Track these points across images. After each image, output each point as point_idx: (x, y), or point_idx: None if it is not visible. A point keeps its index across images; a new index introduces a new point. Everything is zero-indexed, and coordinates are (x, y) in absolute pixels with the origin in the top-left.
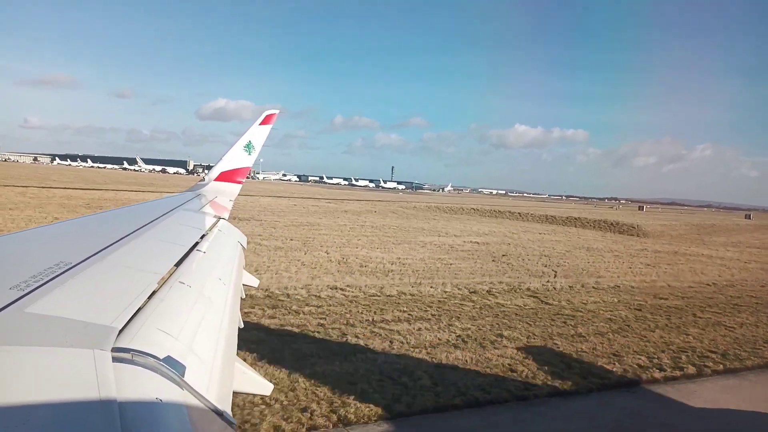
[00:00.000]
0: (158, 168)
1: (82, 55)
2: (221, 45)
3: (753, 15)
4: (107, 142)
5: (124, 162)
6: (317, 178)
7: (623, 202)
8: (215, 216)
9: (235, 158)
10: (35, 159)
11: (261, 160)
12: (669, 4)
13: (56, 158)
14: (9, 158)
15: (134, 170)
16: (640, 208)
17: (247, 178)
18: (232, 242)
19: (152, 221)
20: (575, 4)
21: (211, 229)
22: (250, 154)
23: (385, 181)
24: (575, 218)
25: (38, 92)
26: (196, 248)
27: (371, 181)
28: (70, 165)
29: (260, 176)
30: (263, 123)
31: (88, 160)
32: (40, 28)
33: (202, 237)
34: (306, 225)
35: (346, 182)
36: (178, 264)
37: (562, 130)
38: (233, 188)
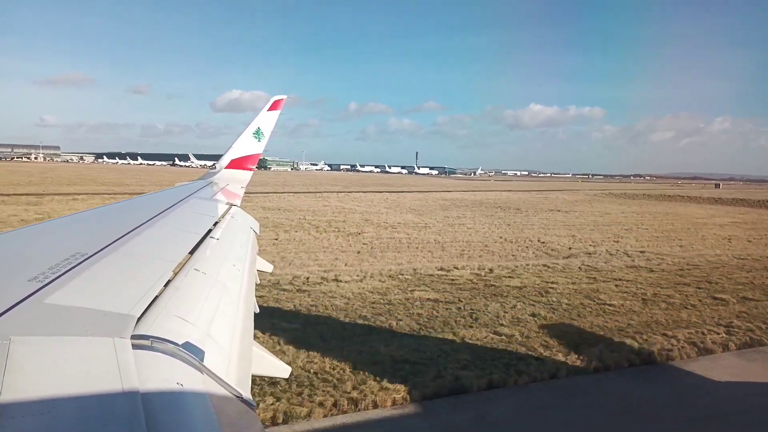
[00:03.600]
0: (209, 164)
1: (97, 53)
2: (234, 37)
3: None
4: (122, 138)
5: (176, 159)
6: (348, 167)
7: (648, 178)
8: (228, 203)
9: (245, 145)
10: (81, 158)
11: (303, 152)
12: None
13: (104, 156)
14: (71, 159)
15: (186, 167)
16: (717, 186)
17: (293, 169)
18: (245, 228)
19: (165, 210)
20: None
21: (223, 216)
22: (259, 141)
23: (418, 167)
24: (740, 199)
25: (54, 91)
26: (209, 235)
27: (403, 167)
28: (117, 163)
29: (302, 167)
30: (271, 109)
31: (138, 157)
32: (55, 28)
33: (215, 224)
34: (607, 213)
35: (379, 169)
36: (192, 252)
37: (578, 108)
38: (244, 175)
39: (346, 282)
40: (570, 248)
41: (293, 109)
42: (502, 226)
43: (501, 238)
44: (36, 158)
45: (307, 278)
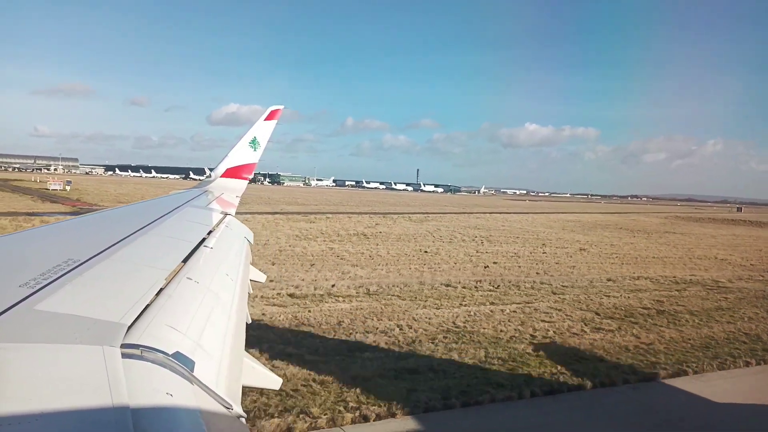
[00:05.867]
0: None
1: (97, 64)
2: (234, 52)
3: (763, 9)
4: (116, 149)
5: (190, 172)
6: (353, 183)
7: (644, 199)
8: (222, 212)
9: (241, 155)
10: (92, 170)
11: (315, 168)
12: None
13: (116, 169)
14: (92, 171)
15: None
16: (739, 209)
17: (305, 184)
18: (239, 238)
19: (159, 218)
20: (584, 2)
21: (218, 225)
22: (255, 150)
23: (424, 185)
24: None
25: (53, 101)
26: (203, 244)
27: (408, 184)
28: (130, 175)
29: (313, 183)
30: (268, 118)
31: (152, 170)
32: (58, 38)
33: (209, 233)
34: (713, 236)
35: (384, 186)
36: (185, 260)
37: (572, 128)
38: (240, 184)
39: (729, 284)
40: (752, 265)
41: (290, 123)
42: (664, 245)
43: (687, 256)
44: (56, 170)
45: (674, 278)
